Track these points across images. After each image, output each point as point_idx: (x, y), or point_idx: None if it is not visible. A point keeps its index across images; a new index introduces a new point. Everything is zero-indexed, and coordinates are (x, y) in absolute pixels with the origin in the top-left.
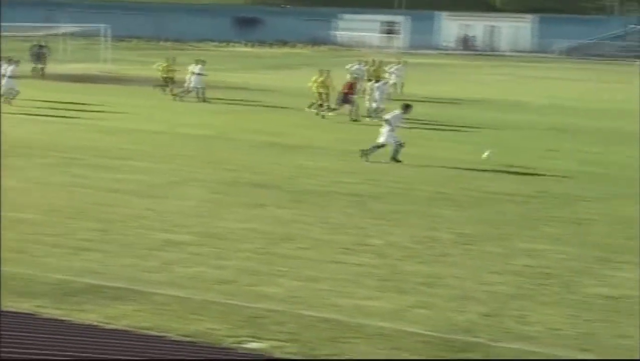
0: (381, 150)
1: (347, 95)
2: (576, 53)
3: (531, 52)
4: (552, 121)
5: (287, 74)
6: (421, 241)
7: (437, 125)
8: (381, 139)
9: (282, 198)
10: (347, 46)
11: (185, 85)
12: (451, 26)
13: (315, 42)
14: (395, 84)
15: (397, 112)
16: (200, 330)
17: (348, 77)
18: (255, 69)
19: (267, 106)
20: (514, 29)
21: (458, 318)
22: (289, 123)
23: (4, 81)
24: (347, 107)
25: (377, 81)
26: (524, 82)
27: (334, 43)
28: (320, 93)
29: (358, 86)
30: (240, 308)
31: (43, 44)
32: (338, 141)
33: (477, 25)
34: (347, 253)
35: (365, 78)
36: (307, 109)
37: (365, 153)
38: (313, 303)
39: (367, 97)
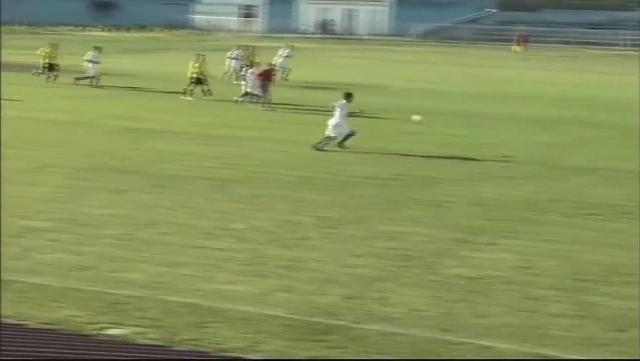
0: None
1: (264, 83)
2: (433, 36)
3: (389, 35)
4: (412, 104)
5: (145, 59)
6: (283, 225)
7: (299, 109)
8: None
9: (143, 183)
10: (206, 30)
11: (86, 73)
12: (309, 10)
13: (173, 26)
14: (284, 69)
15: (343, 101)
16: (60, 317)
17: (228, 61)
18: (113, 53)
19: (127, 91)
20: (372, 13)
21: (320, 301)
22: (149, 108)
23: None
24: (263, 94)
25: (249, 67)
26: (383, 66)
27: (192, 27)
28: (193, 79)
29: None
30: (101, 294)
31: None
32: (200, 125)
33: (335, 9)
34: (209, 237)
35: (244, 63)
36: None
37: (319, 147)
38: (176, 289)
39: (242, 82)
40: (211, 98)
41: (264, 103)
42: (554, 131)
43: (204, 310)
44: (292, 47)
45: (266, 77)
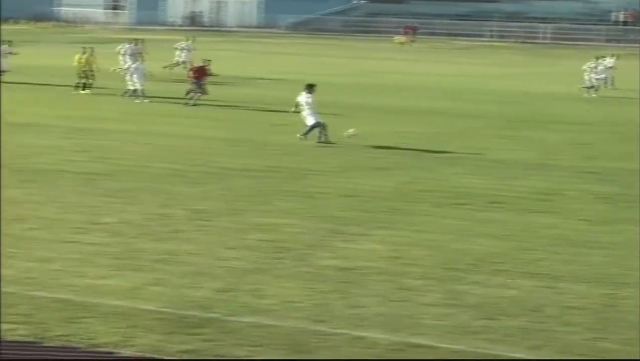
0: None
1: (198, 80)
2: (302, 28)
3: (258, 27)
4: (279, 96)
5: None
6: (155, 218)
7: (168, 100)
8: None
9: (11, 178)
10: (72, 22)
11: None
12: (177, 2)
13: (39, 18)
14: (185, 62)
15: (305, 93)
16: None
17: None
18: None
19: None
20: (240, 5)
21: (194, 294)
22: (16, 101)
23: None
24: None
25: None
26: (252, 58)
27: (58, 19)
28: (84, 72)
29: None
30: None
31: None
32: (72, 119)
33: (203, 1)
34: (80, 232)
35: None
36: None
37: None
38: (46, 284)
39: (128, 78)
40: (86, 92)
41: (196, 99)
42: (425, 122)
43: (75, 305)
44: (193, 39)
45: (201, 73)
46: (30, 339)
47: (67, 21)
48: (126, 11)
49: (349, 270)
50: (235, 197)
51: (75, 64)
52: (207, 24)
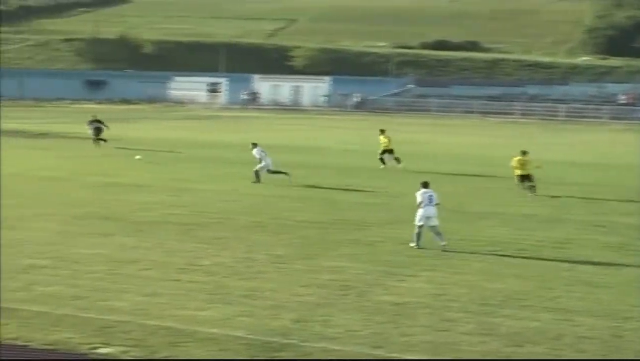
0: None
1: None
2: (364, 107)
3: (328, 106)
4: (342, 161)
5: (127, 126)
6: (242, 261)
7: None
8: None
9: (125, 228)
10: (179, 103)
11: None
12: (264, 85)
13: (152, 100)
14: None
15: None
16: (58, 339)
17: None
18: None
19: (108, 154)
20: (314, 88)
21: (274, 323)
22: (123, 167)
23: None
24: None
25: None
26: (321, 131)
27: (168, 100)
28: None
29: None
30: (92, 320)
31: None
32: (168, 180)
33: (285, 85)
34: (181, 272)
35: None
36: None
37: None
38: (154, 314)
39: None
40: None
41: None
42: (456, 182)
43: (178, 332)
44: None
45: None
46: (141, 359)
47: (175, 102)
48: (221, 93)
49: (400, 305)
50: (307, 244)
51: None
52: (287, 104)
